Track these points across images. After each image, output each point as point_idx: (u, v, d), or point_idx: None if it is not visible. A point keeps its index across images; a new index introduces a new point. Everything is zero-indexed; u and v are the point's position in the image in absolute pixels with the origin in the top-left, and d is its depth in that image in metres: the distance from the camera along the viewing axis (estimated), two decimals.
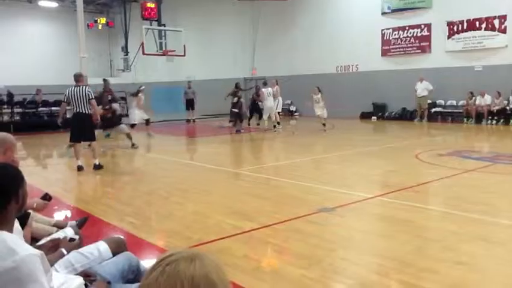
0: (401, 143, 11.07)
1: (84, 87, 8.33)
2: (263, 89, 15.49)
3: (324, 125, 14.40)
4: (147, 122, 13.55)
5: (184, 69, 23.39)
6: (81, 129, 8.32)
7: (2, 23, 25.98)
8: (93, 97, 8.40)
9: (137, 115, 13.30)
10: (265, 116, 15.45)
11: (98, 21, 25.51)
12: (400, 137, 11.89)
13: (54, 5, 25.99)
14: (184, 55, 19.20)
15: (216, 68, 23.25)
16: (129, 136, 11.34)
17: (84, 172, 8.39)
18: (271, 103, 15.24)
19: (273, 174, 7.70)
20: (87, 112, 8.27)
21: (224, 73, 22.46)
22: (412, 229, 4.65)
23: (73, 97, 8.19)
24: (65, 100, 8.44)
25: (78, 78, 8.41)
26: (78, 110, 8.25)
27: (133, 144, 11.28)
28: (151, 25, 19.50)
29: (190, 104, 18.91)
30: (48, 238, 2.93)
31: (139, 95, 13.42)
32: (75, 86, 8.26)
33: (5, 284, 1.72)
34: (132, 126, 12.86)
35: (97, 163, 8.53)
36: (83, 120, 8.29)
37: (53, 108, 17.13)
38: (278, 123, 15.34)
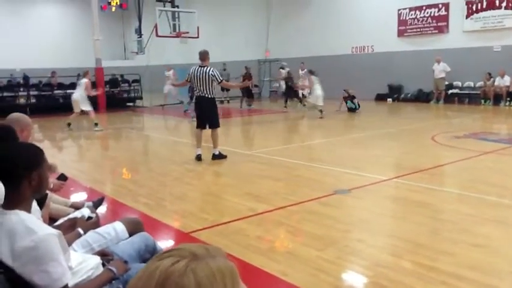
0: (418, 125, 10.92)
1: (207, 68, 7.40)
2: (312, 77, 13.54)
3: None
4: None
5: (197, 51, 23.31)
6: (203, 114, 7.53)
7: (16, 5, 26.11)
8: (221, 80, 7.50)
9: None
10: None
11: (111, 3, 25.48)
12: (416, 119, 11.73)
13: None
14: (197, 37, 19.08)
15: (229, 50, 23.06)
16: None
17: (97, 153, 8.42)
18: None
19: (286, 157, 7.68)
20: (209, 96, 7.38)
21: (236, 55, 22.31)
22: (427, 211, 4.61)
23: (195, 78, 7.34)
24: (187, 79, 7.75)
25: (203, 56, 7.59)
26: (200, 92, 7.45)
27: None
28: (164, 6, 19.38)
29: None
30: (66, 218, 2.96)
31: (282, 70, 17.59)
32: (199, 66, 7.46)
33: (24, 262, 1.75)
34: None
35: (216, 153, 7.59)
36: (204, 103, 7.48)
37: (67, 90, 17.21)
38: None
